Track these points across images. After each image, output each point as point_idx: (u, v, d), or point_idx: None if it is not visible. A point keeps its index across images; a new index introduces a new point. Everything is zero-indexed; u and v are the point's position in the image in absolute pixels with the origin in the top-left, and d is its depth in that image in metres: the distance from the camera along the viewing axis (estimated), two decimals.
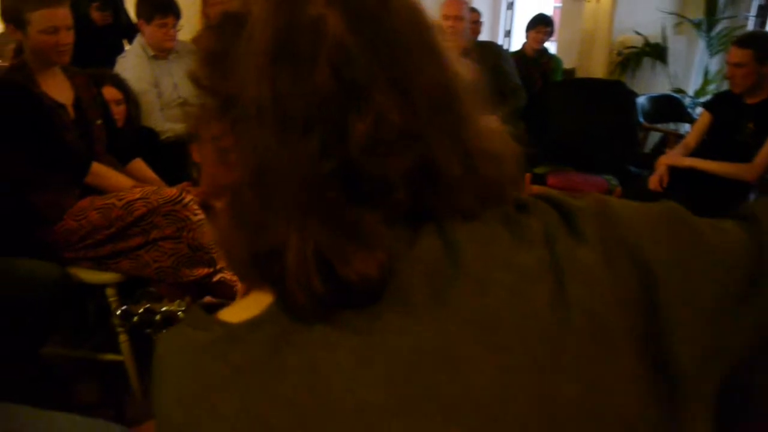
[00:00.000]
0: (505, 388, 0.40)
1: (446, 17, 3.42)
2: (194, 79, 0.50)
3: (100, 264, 1.90)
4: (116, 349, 2.00)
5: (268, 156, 0.42)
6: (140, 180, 2.15)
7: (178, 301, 1.04)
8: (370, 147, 0.42)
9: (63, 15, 1.88)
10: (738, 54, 2.61)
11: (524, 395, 0.40)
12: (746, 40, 2.69)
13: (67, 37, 1.89)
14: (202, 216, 1.87)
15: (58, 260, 1.88)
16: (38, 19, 1.83)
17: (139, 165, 2.26)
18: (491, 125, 0.49)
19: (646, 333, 0.43)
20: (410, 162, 0.43)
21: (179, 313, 1.02)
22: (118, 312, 1.08)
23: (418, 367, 0.41)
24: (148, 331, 1.07)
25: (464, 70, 0.48)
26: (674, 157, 2.89)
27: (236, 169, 0.45)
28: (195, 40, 0.52)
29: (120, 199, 1.83)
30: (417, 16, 0.47)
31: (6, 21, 1.87)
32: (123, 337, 1.97)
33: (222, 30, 0.49)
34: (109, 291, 1.91)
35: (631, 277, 0.44)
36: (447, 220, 0.45)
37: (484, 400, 0.40)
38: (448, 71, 0.47)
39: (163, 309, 1.04)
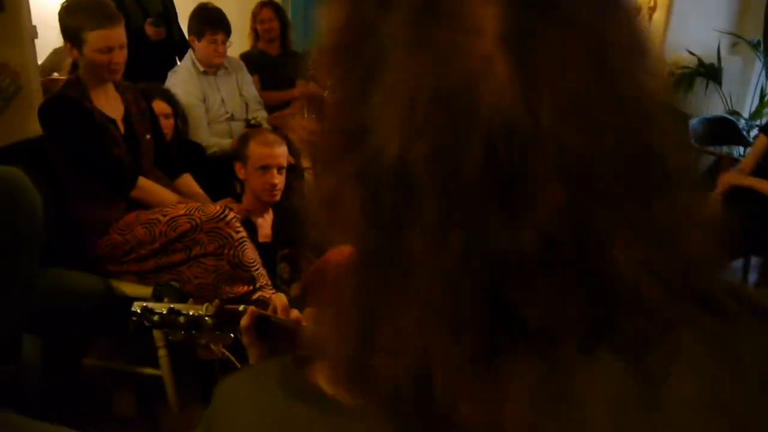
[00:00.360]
0: None
1: None
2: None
3: (142, 278, 1.93)
4: (155, 363, 2.01)
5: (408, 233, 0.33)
6: (188, 195, 2.18)
7: (206, 305, 0.96)
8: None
9: (117, 35, 1.94)
10: None
11: None
12: None
13: (120, 56, 1.95)
14: (243, 234, 1.87)
15: (103, 273, 1.91)
16: (94, 39, 1.89)
17: (187, 180, 2.29)
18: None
19: None
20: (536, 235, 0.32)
21: (207, 318, 0.94)
22: (138, 309, 0.99)
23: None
24: (166, 331, 1.00)
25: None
26: (735, 176, 2.79)
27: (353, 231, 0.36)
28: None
29: (165, 215, 1.85)
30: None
31: (65, 38, 1.92)
32: (162, 352, 1.98)
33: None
34: None
35: None
36: (628, 337, 0.34)
37: None
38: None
39: (190, 313, 0.96)
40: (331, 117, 0.39)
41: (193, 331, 0.95)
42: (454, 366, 0.32)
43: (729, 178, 2.81)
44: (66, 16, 1.91)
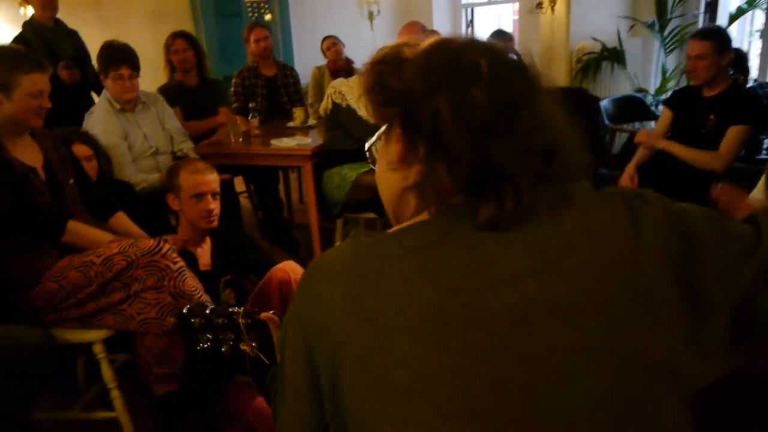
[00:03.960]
0: (600, 258, 0.65)
1: None
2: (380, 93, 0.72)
3: (84, 323, 1.89)
4: (109, 406, 1.98)
5: (451, 136, 0.65)
6: (123, 233, 2.17)
7: (242, 308, 1.08)
8: (525, 132, 0.66)
9: (47, 81, 1.95)
10: (699, 46, 2.69)
11: (610, 269, 0.64)
12: (706, 33, 2.77)
13: (47, 102, 1.94)
14: (181, 263, 1.88)
15: (41, 323, 1.87)
16: (28, 82, 1.88)
17: (121, 218, 2.28)
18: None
19: (684, 270, 0.66)
20: (544, 142, 0.66)
21: (241, 320, 1.06)
22: (184, 310, 1.10)
23: (544, 247, 0.64)
24: (200, 336, 1.09)
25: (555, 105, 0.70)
26: (652, 137, 2.96)
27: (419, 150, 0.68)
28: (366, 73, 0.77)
29: (98, 256, 1.83)
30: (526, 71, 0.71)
31: None
32: (115, 393, 1.95)
33: (390, 62, 0.72)
34: (97, 348, 1.90)
35: (680, 232, 0.68)
36: (557, 182, 0.67)
37: (588, 270, 0.63)
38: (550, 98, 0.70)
39: (230, 311, 1.07)
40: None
41: (228, 334, 1.06)
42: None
43: (645, 138, 2.97)
44: None
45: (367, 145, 0.78)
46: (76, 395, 2.17)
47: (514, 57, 0.70)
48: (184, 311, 1.10)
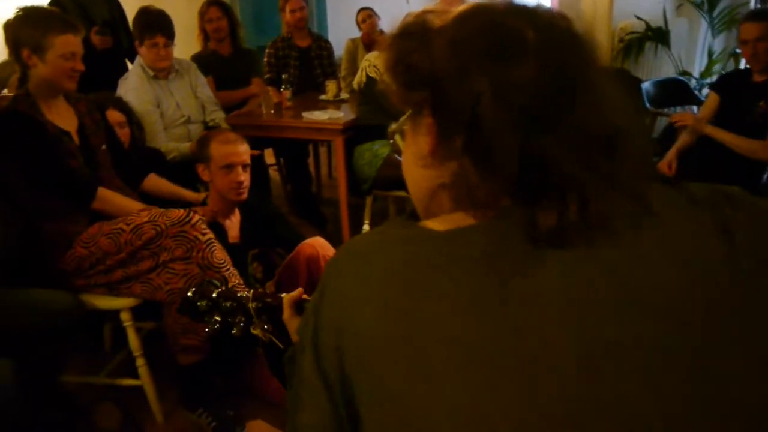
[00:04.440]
0: (689, 291, 0.52)
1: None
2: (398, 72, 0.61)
3: (112, 289, 1.90)
4: (134, 373, 1.99)
5: (494, 122, 0.53)
6: (160, 193, 2.26)
7: (252, 290, 1.05)
8: (582, 118, 0.54)
9: (79, 43, 1.94)
10: (756, 28, 2.56)
11: (701, 300, 0.52)
12: (762, 14, 2.64)
13: (80, 64, 1.92)
14: (210, 235, 1.86)
15: (71, 288, 1.88)
16: (61, 43, 1.87)
17: (154, 179, 2.31)
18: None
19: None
20: (606, 131, 0.55)
21: (251, 303, 1.02)
22: (189, 294, 1.06)
23: (620, 272, 0.52)
24: (207, 319, 1.06)
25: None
26: (698, 121, 2.82)
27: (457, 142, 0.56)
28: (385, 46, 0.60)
29: (128, 224, 1.83)
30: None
31: (19, 46, 1.87)
32: (140, 361, 1.96)
33: (415, 35, 0.60)
34: (124, 315, 1.91)
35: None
36: (627, 180, 0.55)
37: (674, 301, 0.52)
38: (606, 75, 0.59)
39: (239, 295, 1.04)
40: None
41: (239, 317, 1.03)
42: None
43: (687, 120, 2.84)
44: (24, 24, 1.87)
45: (390, 130, 0.68)
46: (103, 360, 2.19)
47: (566, 24, 0.58)
48: (188, 294, 1.06)
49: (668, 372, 0.48)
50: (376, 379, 0.51)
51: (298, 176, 3.82)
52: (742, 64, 3.87)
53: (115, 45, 3.20)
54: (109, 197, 1.95)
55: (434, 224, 0.57)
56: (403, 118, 0.64)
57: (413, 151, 0.63)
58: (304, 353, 0.59)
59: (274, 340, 1.07)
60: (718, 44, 4.77)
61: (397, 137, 0.68)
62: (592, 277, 0.51)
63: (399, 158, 0.67)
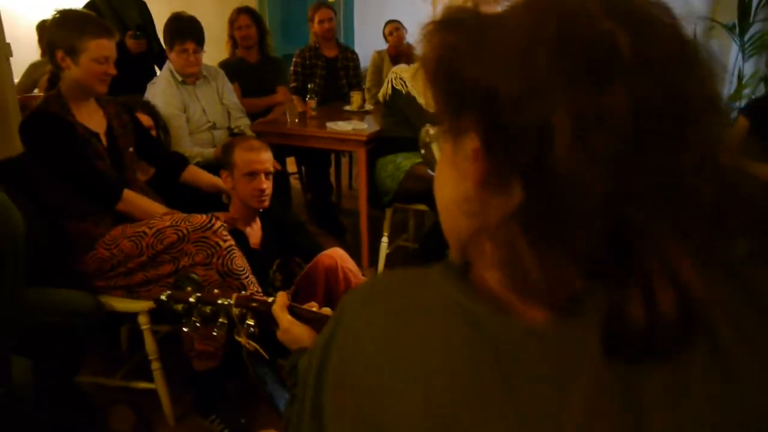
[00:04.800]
0: None
1: None
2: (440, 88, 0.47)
3: (131, 292, 1.91)
4: (149, 377, 2.00)
5: (571, 173, 0.38)
6: (198, 182, 2.36)
7: (235, 295, 1.00)
8: (690, 169, 0.39)
9: (113, 47, 1.96)
10: None
11: None
12: None
13: (113, 69, 1.95)
14: (231, 242, 1.86)
15: (91, 289, 1.89)
16: (95, 47, 1.89)
17: (193, 170, 2.40)
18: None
19: None
20: (715, 186, 0.40)
21: (235, 309, 0.98)
22: (163, 296, 1.03)
23: (730, 411, 0.39)
24: (184, 321, 1.03)
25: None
26: None
27: (509, 190, 0.42)
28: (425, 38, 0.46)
29: (151, 227, 1.83)
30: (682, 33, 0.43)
31: (54, 48, 1.89)
32: (156, 365, 1.97)
33: (465, 28, 0.45)
34: (142, 319, 1.91)
35: None
36: (731, 255, 0.42)
37: None
38: (716, 92, 0.43)
39: (219, 302, 1.00)
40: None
41: (220, 321, 0.98)
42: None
43: None
44: (60, 26, 1.90)
45: (423, 139, 0.56)
46: (119, 362, 2.20)
47: (663, 12, 0.42)
48: (162, 298, 1.02)
49: None
50: None
51: (319, 186, 3.83)
52: None
53: (147, 49, 3.24)
54: (134, 199, 1.96)
55: (495, 284, 0.45)
56: (441, 128, 0.50)
57: (451, 177, 0.49)
58: (306, 392, 0.52)
59: (259, 349, 1.05)
60: (749, 68, 4.71)
61: (434, 146, 0.54)
62: (695, 412, 0.38)
63: (430, 173, 0.54)
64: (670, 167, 0.39)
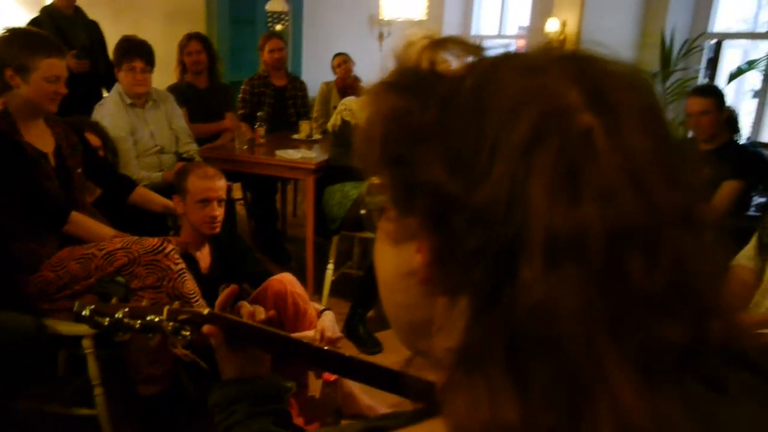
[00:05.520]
0: None
1: None
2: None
3: None
4: (90, 402, 1.96)
5: (537, 307, 0.32)
6: (148, 203, 2.35)
7: (166, 308, 0.93)
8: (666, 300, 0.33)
9: (64, 66, 1.96)
10: (701, 102, 2.77)
11: None
12: (706, 90, 2.86)
13: (63, 88, 1.94)
14: (183, 265, 1.87)
15: (35, 311, 1.86)
16: (47, 66, 1.89)
17: (142, 192, 2.39)
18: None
19: None
20: (692, 323, 0.34)
21: (167, 323, 0.91)
22: (85, 312, 0.93)
23: None
24: (119, 335, 0.96)
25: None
26: None
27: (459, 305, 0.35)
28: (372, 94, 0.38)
29: (101, 249, 1.83)
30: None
31: (3, 66, 1.87)
32: (98, 390, 1.93)
33: (420, 98, 0.37)
34: (86, 342, 1.89)
35: None
36: (694, 384, 0.35)
37: None
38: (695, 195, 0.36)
39: (148, 318, 0.92)
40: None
41: (150, 334, 0.92)
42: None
43: None
44: (10, 44, 1.88)
45: (364, 199, 0.46)
46: (56, 388, 2.14)
47: (643, 92, 0.37)
48: (84, 313, 0.94)
49: None
50: None
51: (265, 212, 3.85)
52: (691, 133, 4.13)
53: (91, 70, 3.21)
54: (82, 221, 1.95)
55: None
56: (380, 198, 0.42)
57: (393, 255, 0.42)
58: None
59: (198, 360, 1.00)
60: (670, 113, 5.08)
61: (374, 214, 0.44)
62: None
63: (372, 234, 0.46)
64: (643, 295, 0.32)
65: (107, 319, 0.92)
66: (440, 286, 0.37)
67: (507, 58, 0.39)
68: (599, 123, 0.33)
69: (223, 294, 0.88)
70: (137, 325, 0.91)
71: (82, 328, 1.87)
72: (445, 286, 0.37)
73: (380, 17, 6.38)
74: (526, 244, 0.32)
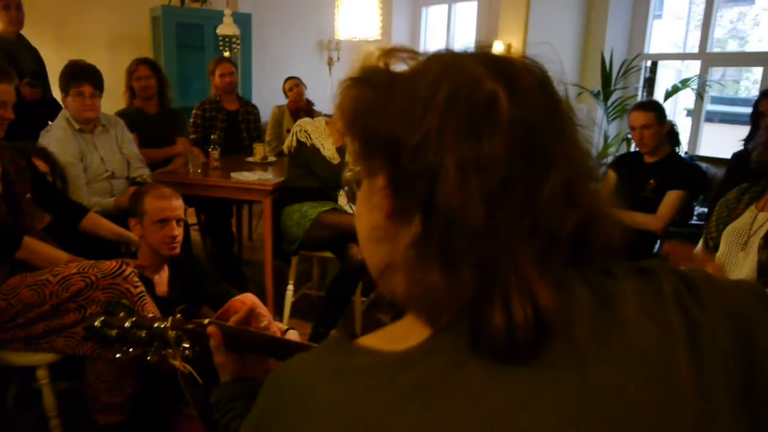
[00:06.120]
0: (660, 416, 0.47)
1: None
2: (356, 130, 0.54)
3: (30, 344, 1.80)
4: None
5: (455, 210, 0.47)
6: (98, 231, 2.28)
7: (170, 318, 1.00)
8: (551, 206, 0.48)
9: (11, 92, 1.91)
10: (643, 117, 2.91)
11: (678, 423, 0.47)
12: (647, 105, 3.00)
13: (10, 113, 1.89)
14: (142, 288, 1.83)
15: None
16: None
17: (93, 218, 2.31)
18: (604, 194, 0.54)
19: (743, 377, 0.50)
20: (575, 221, 0.49)
21: (170, 332, 0.97)
22: (96, 323, 0.99)
23: (584, 394, 0.46)
24: (125, 349, 1.00)
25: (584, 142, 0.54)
26: None
27: (407, 219, 0.51)
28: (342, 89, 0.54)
29: (55, 275, 1.76)
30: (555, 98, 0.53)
31: None
32: (55, 422, 1.85)
33: (377, 86, 0.53)
34: (41, 372, 1.81)
35: (734, 334, 0.51)
36: (591, 273, 0.52)
37: (642, 426, 0.46)
38: (581, 146, 0.53)
39: (154, 326, 0.98)
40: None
41: (155, 345, 0.97)
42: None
43: None
44: None
45: (346, 177, 0.59)
46: (5, 424, 2.04)
47: (542, 83, 0.52)
48: (96, 324, 1.00)
49: None
50: None
51: (221, 237, 3.79)
52: (633, 147, 4.33)
53: (42, 98, 3.14)
54: (34, 247, 1.88)
55: (378, 341, 0.53)
56: (356, 170, 0.57)
57: (367, 210, 0.56)
58: None
59: (194, 373, 1.05)
60: (612, 129, 5.30)
61: (354, 186, 0.59)
62: (549, 397, 0.46)
63: (352, 208, 0.62)
64: (534, 204, 0.48)
65: (115, 330, 0.98)
66: (397, 213, 0.52)
67: (435, 54, 0.54)
68: (502, 88, 0.49)
69: (242, 311, 0.97)
70: (143, 335, 0.97)
71: (38, 358, 1.80)
72: (401, 211, 0.51)
73: (331, 40, 6.46)
74: (445, 167, 0.47)
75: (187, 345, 0.98)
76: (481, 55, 0.53)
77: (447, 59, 0.53)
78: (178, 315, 1.96)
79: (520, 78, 0.50)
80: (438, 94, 0.49)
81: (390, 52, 0.55)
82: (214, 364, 0.98)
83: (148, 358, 1.00)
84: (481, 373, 0.47)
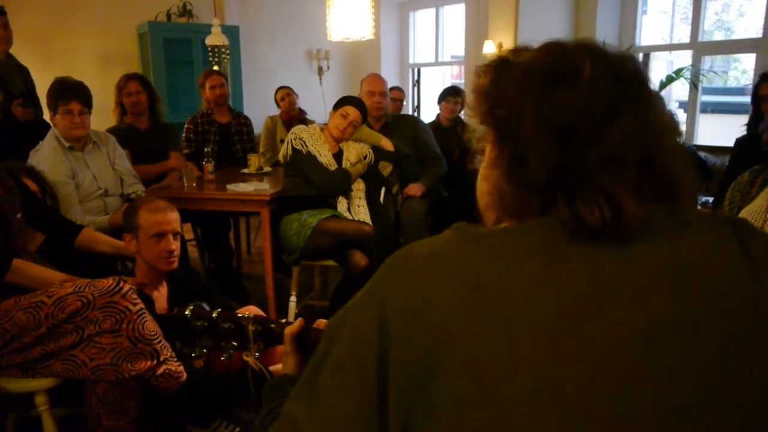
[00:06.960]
0: (724, 290, 0.59)
1: (371, 93, 3.54)
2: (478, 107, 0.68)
3: (26, 370, 1.73)
4: None
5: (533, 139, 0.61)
6: (95, 246, 2.22)
7: (253, 314, 1.02)
8: (621, 146, 0.60)
9: None
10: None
11: (737, 297, 0.58)
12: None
13: None
14: (141, 305, 1.76)
15: None
16: None
17: (89, 234, 2.26)
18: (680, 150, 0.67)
19: None
20: (636, 159, 0.60)
21: (251, 326, 0.99)
22: (187, 312, 1.01)
23: (664, 264, 0.59)
24: (201, 350, 1.02)
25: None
26: None
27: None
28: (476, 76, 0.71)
29: (50, 296, 1.69)
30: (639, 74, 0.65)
31: None
32: None
33: (494, 70, 0.68)
34: (40, 399, 1.74)
35: None
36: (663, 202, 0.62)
37: (711, 291, 0.58)
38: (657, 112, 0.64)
39: (239, 317, 1.00)
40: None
41: (233, 341, 0.99)
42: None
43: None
44: None
45: (478, 139, 0.76)
46: None
47: (629, 65, 0.65)
48: (187, 313, 1.02)
49: (707, 344, 0.56)
50: (458, 360, 0.56)
51: (220, 251, 3.72)
52: None
53: (34, 119, 3.09)
54: (26, 268, 1.81)
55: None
56: (487, 135, 0.71)
57: (485, 174, 0.71)
58: (341, 342, 0.63)
59: (265, 371, 1.11)
60: None
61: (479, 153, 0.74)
62: (639, 266, 0.58)
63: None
64: (603, 140, 0.60)
65: (202, 321, 1.00)
66: (498, 153, 0.66)
67: (545, 44, 0.68)
68: (590, 62, 0.62)
69: (296, 324, 0.96)
70: (227, 326, 0.99)
71: (35, 383, 1.72)
72: (498, 148, 0.66)
73: (320, 49, 6.43)
74: (528, 121, 0.61)
75: (261, 344, 1.00)
76: (582, 42, 0.66)
77: (551, 44, 0.67)
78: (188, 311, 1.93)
79: (608, 58, 0.64)
80: (537, 62, 0.64)
81: (509, 51, 0.70)
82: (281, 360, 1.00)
83: (222, 358, 1.01)
84: (583, 244, 0.58)
